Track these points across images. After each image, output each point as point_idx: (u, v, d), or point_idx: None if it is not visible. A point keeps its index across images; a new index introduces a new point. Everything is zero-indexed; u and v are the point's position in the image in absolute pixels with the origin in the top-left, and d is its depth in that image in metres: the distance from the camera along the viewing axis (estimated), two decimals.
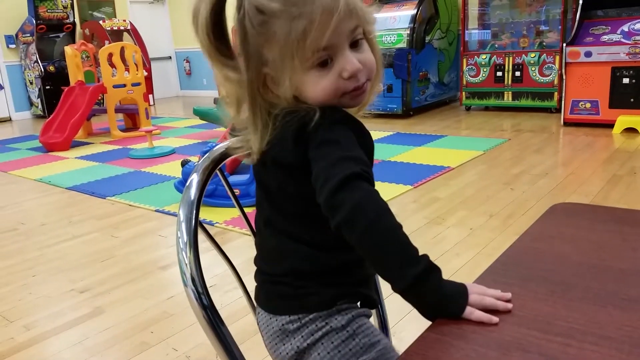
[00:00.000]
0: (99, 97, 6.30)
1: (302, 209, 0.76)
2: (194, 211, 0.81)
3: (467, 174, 3.71)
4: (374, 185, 0.67)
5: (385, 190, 3.40)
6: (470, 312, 0.60)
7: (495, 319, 0.59)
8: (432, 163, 4.00)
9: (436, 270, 0.63)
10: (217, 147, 0.87)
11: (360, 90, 0.74)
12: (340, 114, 0.73)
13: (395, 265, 0.62)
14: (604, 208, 0.94)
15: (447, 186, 3.43)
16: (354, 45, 0.72)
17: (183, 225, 0.79)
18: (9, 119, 8.87)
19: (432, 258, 2.11)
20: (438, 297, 0.62)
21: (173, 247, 2.75)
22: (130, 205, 3.48)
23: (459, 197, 3.20)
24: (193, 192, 0.82)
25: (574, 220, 0.89)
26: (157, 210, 3.30)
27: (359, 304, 0.82)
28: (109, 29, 9.07)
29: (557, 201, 2.94)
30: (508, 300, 0.62)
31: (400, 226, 0.64)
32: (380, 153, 4.42)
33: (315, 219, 0.71)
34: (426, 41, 6.47)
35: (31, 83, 8.78)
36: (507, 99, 6.05)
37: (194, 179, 0.83)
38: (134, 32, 9.41)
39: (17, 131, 7.56)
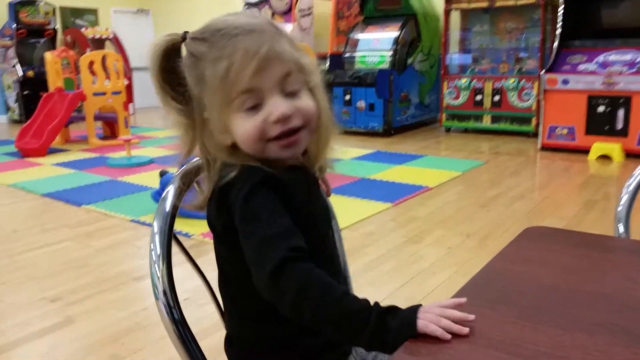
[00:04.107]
0: (78, 104, 6.22)
1: (237, 273, 0.75)
2: (169, 223, 0.80)
3: (445, 194, 3.75)
4: (305, 254, 0.65)
5: (365, 207, 3.41)
6: (425, 326, 0.60)
7: (447, 336, 0.59)
8: (411, 182, 4.03)
9: (383, 315, 0.62)
10: (196, 159, 0.87)
11: (291, 139, 0.72)
12: (258, 175, 0.71)
13: (351, 334, 0.63)
14: (575, 233, 0.96)
15: (425, 205, 3.45)
16: (290, 93, 0.72)
17: (157, 237, 0.79)
18: None
19: (408, 277, 2.13)
20: (392, 336, 0.61)
21: (147, 258, 2.70)
22: (105, 214, 3.42)
23: (437, 216, 3.22)
24: (168, 203, 0.81)
25: (546, 244, 0.90)
26: (132, 220, 3.25)
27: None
28: (91, 37, 9.00)
29: (533, 224, 2.97)
30: (470, 322, 0.61)
31: (343, 295, 0.63)
32: (361, 170, 4.45)
33: (251, 287, 0.68)
34: (408, 63, 6.57)
35: (9, 87, 8.64)
36: (486, 122, 6.15)
37: (170, 190, 0.82)
38: (116, 41, 9.36)
39: None
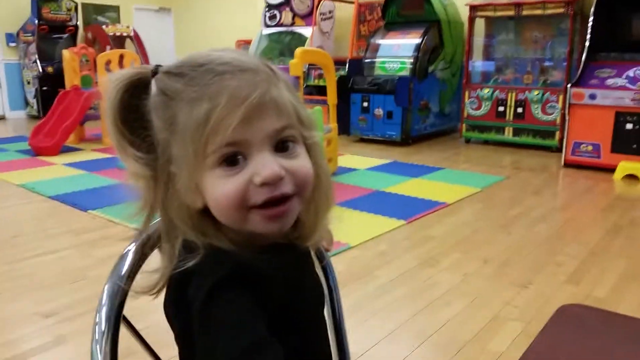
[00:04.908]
0: (95, 103, 6.18)
1: None
2: (119, 299, 0.67)
3: (463, 212, 3.59)
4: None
5: (378, 224, 3.28)
6: None
7: None
8: (427, 197, 3.87)
9: None
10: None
11: (279, 209, 0.57)
12: (226, 265, 0.56)
13: None
14: (615, 316, 0.82)
15: (441, 224, 3.30)
16: (282, 148, 0.57)
17: (104, 310, 0.66)
18: (3, 118, 8.75)
19: (421, 305, 1.97)
20: None
21: (146, 272, 2.60)
22: (110, 220, 3.33)
23: (454, 237, 3.07)
24: (125, 265, 0.68)
25: (584, 332, 0.76)
26: (136, 229, 3.16)
27: None
28: (112, 34, 9.00)
29: (555, 250, 2.82)
30: None
31: None
32: (375, 182, 4.31)
33: None
34: (429, 71, 6.41)
35: (28, 83, 8.68)
36: (508, 134, 5.96)
37: (131, 250, 0.70)
38: (136, 39, 9.34)
39: (11, 130, 7.44)
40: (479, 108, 6.12)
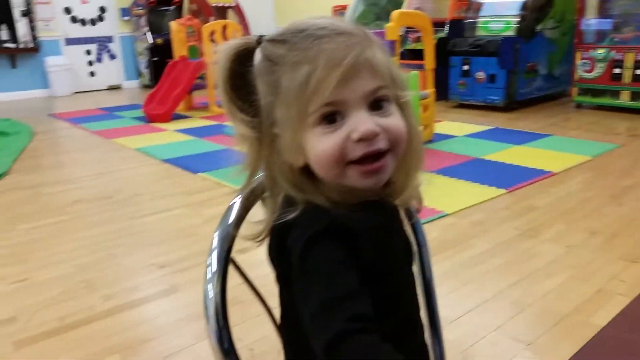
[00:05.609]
0: (202, 73, 6.50)
1: (292, 318, 0.67)
2: (227, 245, 0.74)
3: (571, 181, 3.40)
4: (368, 324, 0.54)
5: (476, 192, 3.20)
6: None
7: None
8: (532, 165, 3.70)
9: None
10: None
11: (375, 165, 0.61)
12: (322, 221, 0.60)
13: None
14: None
15: (546, 194, 3.16)
16: (377, 107, 0.61)
17: (215, 253, 0.73)
18: (120, 87, 9.46)
19: (518, 276, 1.95)
20: None
21: (252, 222, 2.75)
22: (218, 183, 3.54)
23: (558, 207, 2.93)
24: (233, 215, 0.76)
25: None
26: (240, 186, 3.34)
27: None
28: (215, 5, 9.31)
29: None
30: None
31: None
32: (474, 149, 4.19)
33: (305, 336, 0.58)
34: (537, 30, 6.02)
35: (140, 54, 9.27)
36: (624, 98, 5.49)
37: (237, 202, 0.77)
38: (238, 10, 9.60)
39: (126, 99, 8.05)
40: (591, 70, 5.68)
